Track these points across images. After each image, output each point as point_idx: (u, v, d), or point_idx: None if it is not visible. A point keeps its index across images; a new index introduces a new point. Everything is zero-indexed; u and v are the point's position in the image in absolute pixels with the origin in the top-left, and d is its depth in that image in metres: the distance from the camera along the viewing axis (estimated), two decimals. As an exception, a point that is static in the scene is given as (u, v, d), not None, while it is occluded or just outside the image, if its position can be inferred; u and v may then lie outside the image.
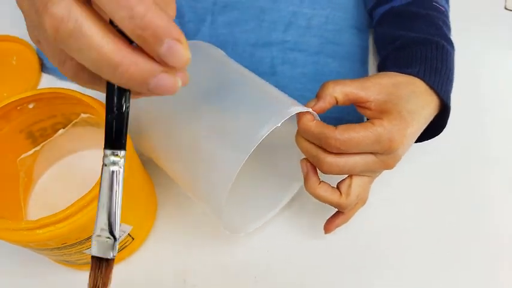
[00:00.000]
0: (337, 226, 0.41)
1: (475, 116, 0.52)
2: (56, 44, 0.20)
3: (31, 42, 0.53)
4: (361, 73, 0.54)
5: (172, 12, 0.22)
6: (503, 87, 0.55)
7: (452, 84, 0.40)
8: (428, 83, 0.38)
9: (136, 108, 0.38)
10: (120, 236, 0.37)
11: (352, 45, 0.56)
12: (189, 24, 0.55)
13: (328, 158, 0.35)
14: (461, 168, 0.49)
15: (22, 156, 0.40)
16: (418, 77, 0.38)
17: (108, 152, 0.22)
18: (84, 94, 0.35)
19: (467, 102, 0.52)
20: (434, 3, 0.46)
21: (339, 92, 0.36)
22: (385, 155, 0.35)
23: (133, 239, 0.40)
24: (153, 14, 0.19)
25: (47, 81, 0.52)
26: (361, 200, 0.40)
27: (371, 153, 0.35)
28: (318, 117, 0.36)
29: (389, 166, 0.37)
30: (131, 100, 0.22)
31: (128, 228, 0.37)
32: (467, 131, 0.50)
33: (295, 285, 0.42)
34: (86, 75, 0.22)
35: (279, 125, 0.32)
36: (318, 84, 0.52)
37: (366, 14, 0.58)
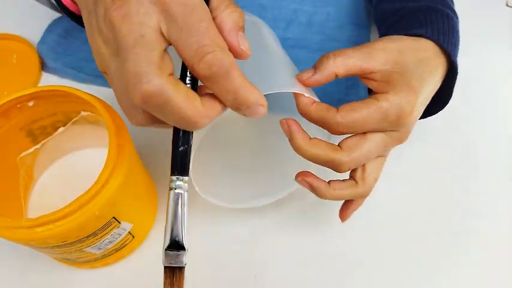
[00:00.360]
0: (353, 211, 0.38)
1: (475, 114, 0.52)
2: (143, 107, 0.24)
3: (32, 41, 0.54)
4: None
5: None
6: (504, 84, 0.55)
7: (458, 48, 0.37)
8: (438, 42, 0.35)
9: None
10: (120, 235, 0.37)
11: (353, 42, 0.56)
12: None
13: (340, 156, 0.32)
14: (460, 167, 0.48)
15: (22, 154, 0.40)
16: (427, 37, 0.35)
17: (174, 178, 0.26)
18: (84, 92, 0.35)
19: (467, 100, 0.51)
20: None
21: (341, 65, 0.32)
22: (395, 131, 0.33)
23: (133, 237, 0.40)
24: (248, 89, 0.25)
25: (47, 80, 0.52)
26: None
27: (380, 131, 0.32)
28: (316, 97, 0.33)
29: (401, 141, 0.34)
30: None
31: (128, 226, 0.37)
32: (467, 130, 0.50)
33: (295, 285, 0.42)
34: (157, 124, 0.26)
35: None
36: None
37: (366, 11, 0.58)
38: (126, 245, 0.40)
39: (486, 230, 0.45)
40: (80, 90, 0.35)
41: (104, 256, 0.39)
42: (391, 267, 0.43)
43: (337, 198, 0.34)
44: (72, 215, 0.30)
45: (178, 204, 0.26)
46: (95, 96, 0.35)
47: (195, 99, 0.24)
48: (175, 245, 0.26)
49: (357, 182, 0.34)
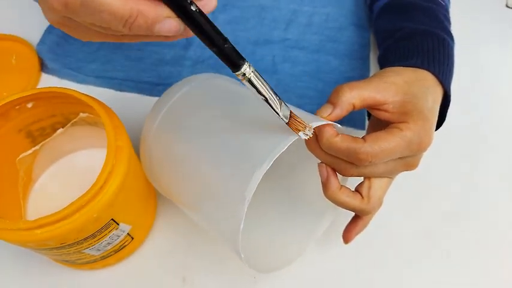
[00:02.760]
0: (358, 233, 0.38)
1: (474, 114, 0.52)
2: (67, 15, 0.22)
3: (31, 42, 0.53)
4: (362, 70, 0.54)
5: None
6: (503, 84, 0.55)
7: (452, 77, 0.39)
8: (435, 73, 0.36)
9: (148, 144, 0.38)
10: (119, 236, 0.37)
11: (352, 43, 0.56)
12: (189, 22, 0.55)
13: (353, 168, 0.33)
14: (459, 167, 0.48)
15: (21, 155, 0.40)
16: (424, 68, 0.37)
17: (238, 72, 0.27)
18: (83, 94, 0.35)
19: (467, 99, 0.51)
20: None
21: (357, 97, 0.33)
22: (410, 158, 0.34)
23: (132, 238, 0.40)
24: None
25: (47, 81, 0.52)
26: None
27: (399, 158, 0.33)
28: (340, 127, 0.33)
29: (412, 166, 0.35)
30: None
31: (127, 228, 0.37)
32: (467, 129, 0.50)
33: (294, 285, 0.42)
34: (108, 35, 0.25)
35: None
36: (319, 82, 0.53)
37: (366, 11, 0.58)
38: (125, 246, 0.40)
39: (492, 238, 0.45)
40: (79, 92, 0.35)
41: (103, 257, 0.39)
42: (394, 269, 0.43)
43: (340, 204, 0.34)
44: (70, 216, 0.30)
45: (258, 85, 0.28)
46: (94, 98, 0.35)
47: None
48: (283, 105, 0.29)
49: (362, 197, 0.34)
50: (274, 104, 0.29)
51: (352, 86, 0.33)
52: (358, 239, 0.38)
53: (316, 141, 0.33)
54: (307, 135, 0.30)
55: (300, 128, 0.29)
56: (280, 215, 0.42)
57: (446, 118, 0.39)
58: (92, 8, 0.21)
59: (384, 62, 0.42)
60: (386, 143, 0.31)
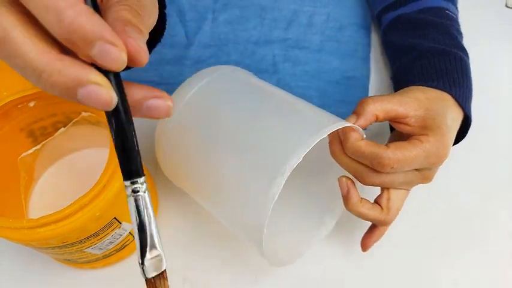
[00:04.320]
0: (375, 242, 0.40)
1: (475, 114, 0.52)
2: None
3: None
4: (363, 70, 0.54)
5: (149, 21, 0.22)
6: (504, 84, 0.55)
7: (471, 94, 0.41)
8: (455, 97, 0.38)
9: (165, 135, 0.38)
10: (121, 235, 0.37)
11: (353, 43, 0.56)
12: (190, 22, 0.55)
13: (374, 173, 0.34)
14: (462, 167, 0.48)
15: (23, 155, 0.40)
16: (446, 91, 0.38)
17: (127, 183, 0.22)
18: (84, 92, 0.35)
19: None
20: (446, 11, 0.46)
21: (380, 109, 0.35)
22: (427, 170, 0.36)
23: (133, 237, 0.40)
24: (82, 18, 0.17)
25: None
26: None
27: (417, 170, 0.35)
28: (364, 134, 0.35)
29: (428, 179, 0.37)
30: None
31: (129, 227, 0.37)
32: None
33: (296, 285, 0.42)
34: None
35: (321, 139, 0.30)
36: (320, 82, 0.53)
37: (367, 11, 0.58)
38: (127, 245, 0.40)
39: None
40: (81, 91, 0.35)
41: (105, 256, 0.39)
42: (394, 269, 0.43)
43: (360, 215, 0.36)
44: (73, 215, 0.30)
45: (140, 210, 0.22)
46: (96, 97, 0.35)
47: (46, 43, 0.18)
48: (153, 252, 0.23)
49: (382, 209, 0.36)
50: (146, 246, 0.23)
51: (376, 99, 0.36)
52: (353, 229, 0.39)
53: (340, 146, 0.35)
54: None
55: None
56: (292, 208, 0.43)
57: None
58: (8, 50, 0.18)
59: (402, 81, 0.42)
60: (408, 152, 0.33)
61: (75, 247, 0.34)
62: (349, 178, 0.36)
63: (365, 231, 0.40)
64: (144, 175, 0.22)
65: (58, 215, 0.30)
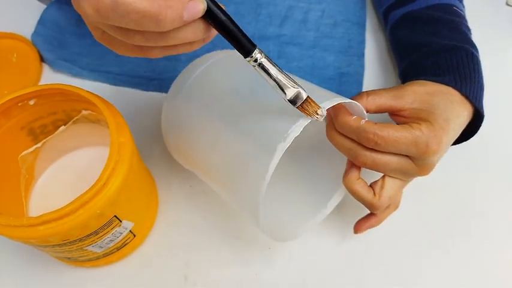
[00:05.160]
0: (369, 227, 0.41)
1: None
2: (101, 20, 0.23)
3: (31, 39, 0.53)
4: (357, 67, 0.54)
5: None
6: (504, 83, 0.55)
7: (483, 91, 0.40)
8: (462, 92, 0.38)
9: (174, 112, 0.40)
10: (121, 233, 0.37)
11: (347, 39, 0.56)
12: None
13: (364, 151, 0.35)
14: (460, 168, 0.49)
15: (23, 153, 0.40)
16: (451, 86, 0.38)
17: (248, 59, 0.28)
18: (85, 90, 0.35)
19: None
20: (454, 7, 0.46)
21: (372, 103, 0.36)
22: (420, 160, 0.35)
23: (134, 235, 0.40)
24: None
25: (48, 78, 0.52)
26: (393, 204, 0.40)
27: (406, 156, 0.35)
28: (364, 112, 0.36)
29: (423, 172, 0.37)
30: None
31: (130, 225, 0.37)
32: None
33: (296, 283, 0.42)
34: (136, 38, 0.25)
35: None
36: (314, 78, 0.53)
37: (361, 8, 0.58)
38: (127, 243, 0.40)
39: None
40: (81, 89, 0.35)
41: (105, 255, 0.39)
42: (394, 269, 0.43)
43: (354, 193, 0.37)
44: (74, 213, 0.30)
45: (267, 69, 0.28)
46: (96, 95, 0.35)
47: None
48: (294, 88, 0.29)
49: (374, 193, 0.37)
50: (285, 88, 0.29)
51: (370, 92, 0.36)
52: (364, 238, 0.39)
53: (332, 125, 0.36)
54: (320, 117, 0.31)
55: (312, 113, 0.31)
56: (293, 187, 0.44)
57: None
58: (121, 10, 0.22)
59: (409, 77, 0.42)
60: (394, 131, 0.34)
61: (76, 245, 0.34)
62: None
63: (366, 236, 0.40)
64: (255, 46, 0.27)
65: (58, 213, 0.29)
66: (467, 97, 0.38)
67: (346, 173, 0.37)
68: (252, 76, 0.36)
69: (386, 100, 0.36)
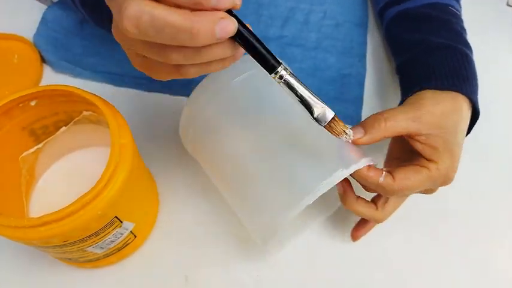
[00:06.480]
0: (365, 233, 0.42)
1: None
2: (140, 37, 0.24)
3: (32, 40, 0.53)
4: (359, 68, 0.54)
5: None
6: (505, 83, 0.55)
7: (477, 91, 0.41)
8: (468, 96, 0.38)
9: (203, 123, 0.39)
10: (122, 234, 0.37)
11: (349, 40, 0.56)
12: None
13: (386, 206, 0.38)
14: (459, 168, 0.48)
15: (24, 153, 0.40)
16: (459, 92, 0.38)
17: (273, 75, 0.28)
18: (86, 91, 0.35)
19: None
20: (450, 7, 0.46)
21: (391, 131, 0.35)
22: (436, 188, 0.37)
23: (135, 236, 0.40)
24: None
25: (49, 79, 0.52)
26: None
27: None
28: (373, 161, 0.36)
29: (431, 193, 0.38)
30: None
31: (130, 226, 0.37)
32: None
33: (296, 284, 0.42)
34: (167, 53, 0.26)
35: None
36: (315, 79, 0.53)
37: (363, 9, 0.58)
38: (128, 244, 0.40)
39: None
40: (83, 90, 0.35)
41: (106, 255, 0.39)
42: (394, 270, 0.43)
43: (356, 213, 0.38)
44: (75, 214, 0.30)
45: (292, 85, 0.28)
46: (98, 96, 0.35)
47: (180, 9, 0.24)
48: (320, 106, 0.29)
49: (377, 208, 0.38)
50: (312, 106, 0.29)
51: (388, 116, 0.35)
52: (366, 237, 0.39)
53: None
54: (347, 138, 0.32)
55: (340, 132, 0.31)
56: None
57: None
58: (158, 24, 0.23)
59: (410, 76, 0.43)
60: (412, 182, 0.35)
61: (76, 246, 0.34)
62: (346, 179, 0.36)
63: (367, 238, 0.41)
64: (280, 63, 0.27)
65: (59, 214, 0.29)
66: (470, 99, 0.38)
67: (343, 198, 0.38)
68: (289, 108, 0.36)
69: (404, 125, 0.36)
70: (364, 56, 0.55)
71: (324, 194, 0.32)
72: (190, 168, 0.45)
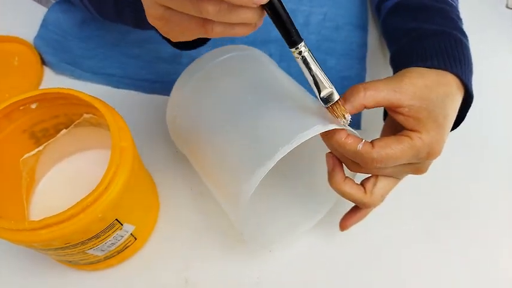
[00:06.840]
0: (355, 223, 0.40)
1: (475, 114, 0.52)
2: None
3: (32, 42, 0.54)
4: (359, 70, 0.54)
5: None
6: (504, 85, 0.55)
7: (472, 76, 0.39)
8: (458, 75, 0.36)
9: (176, 106, 0.40)
10: (122, 237, 0.37)
11: (349, 42, 0.56)
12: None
13: (361, 167, 0.34)
14: (459, 169, 0.49)
15: (25, 156, 0.40)
16: (446, 70, 0.36)
17: (293, 49, 0.30)
18: (87, 94, 0.35)
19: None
20: None
21: (371, 99, 0.33)
22: (420, 164, 0.35)
23: (135, 239, 0.40)
24: None
25: (50, 82, 0.52)
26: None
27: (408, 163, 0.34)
28: (354, 132, 0.34)
29: (420, 171, 0.36)
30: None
31: (131, 228, 0.37)
32: (467, 128, 0.50)
33: (297, 285, 0.42)
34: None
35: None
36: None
37: (363, 11, 0.59)
38: (128, 246, 0.40)
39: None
40: (83, 93, 0.35)
41: (106, 258, 0.39)
42: (395, 270, 0.43)
43: (343, 194, 0.36)
44: (75, 217, 0.30)
45: (309, 62, 0.30)
46: (98, 99, 0.35)
47: None
48: (329, 89, 0.31)
49: (365, 192, 0.36)
50: (321, 86, 0.30)
51: (368, 86, 0.34)
52: (355, 230, 0.39)
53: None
54: (344, 123, 0.32)
55: (340, 115, 0.31)
56: (284, 192, 0.44)
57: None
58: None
59: (401, 63, 0.41)
60: (393, 151, 0.32)
61: (77, 248, 0.34)
62: (336, 157, 0.35)
63: (367, 237, 0.40)
64: (302, 39, 0.29)
65: (60, 217, 0.30)
66: (461, 80, 0.37)
67: (331, 175, 0.35)
68: (268, 81, 0.37)
69: (385, 95, 0.34)
70: (364, 58, 0.55)
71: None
72: (190, 170, 0.45)
